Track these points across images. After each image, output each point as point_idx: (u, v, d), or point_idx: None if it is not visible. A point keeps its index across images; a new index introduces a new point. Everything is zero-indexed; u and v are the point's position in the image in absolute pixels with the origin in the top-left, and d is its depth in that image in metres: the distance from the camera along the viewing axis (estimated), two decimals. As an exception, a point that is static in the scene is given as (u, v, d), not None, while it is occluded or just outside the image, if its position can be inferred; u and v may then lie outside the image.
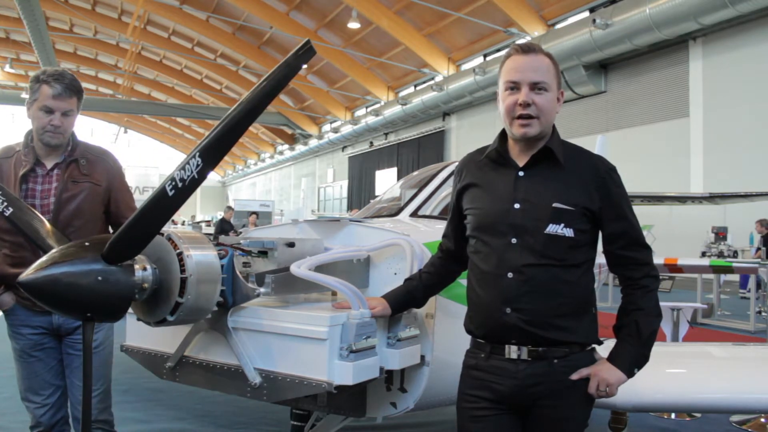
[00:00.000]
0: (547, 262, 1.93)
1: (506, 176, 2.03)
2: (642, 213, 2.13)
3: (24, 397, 2.89)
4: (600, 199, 1.97)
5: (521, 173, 2.02)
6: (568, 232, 1.94)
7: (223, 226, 15.87)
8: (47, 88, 2.71)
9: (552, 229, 1.93)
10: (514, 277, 1.94)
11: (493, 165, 2.09)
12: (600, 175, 1.99)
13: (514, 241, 1.96)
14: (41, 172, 2.85)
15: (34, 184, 2.83)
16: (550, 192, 1.96)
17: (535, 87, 1.95)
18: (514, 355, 1.96)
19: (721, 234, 12.79)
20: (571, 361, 1.97)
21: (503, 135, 2.08)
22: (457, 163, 3.52)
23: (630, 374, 1.99)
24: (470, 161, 2.18)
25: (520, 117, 1.95)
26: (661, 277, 2.20)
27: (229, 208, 19.28)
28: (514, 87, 1.97)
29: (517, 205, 1.97)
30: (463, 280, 2.40)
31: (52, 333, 2.88)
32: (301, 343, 2.01)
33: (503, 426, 2.01)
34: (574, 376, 1.96)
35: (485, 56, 21.40)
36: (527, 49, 1.99)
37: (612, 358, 2.00)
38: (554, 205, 1.94)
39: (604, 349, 2.07)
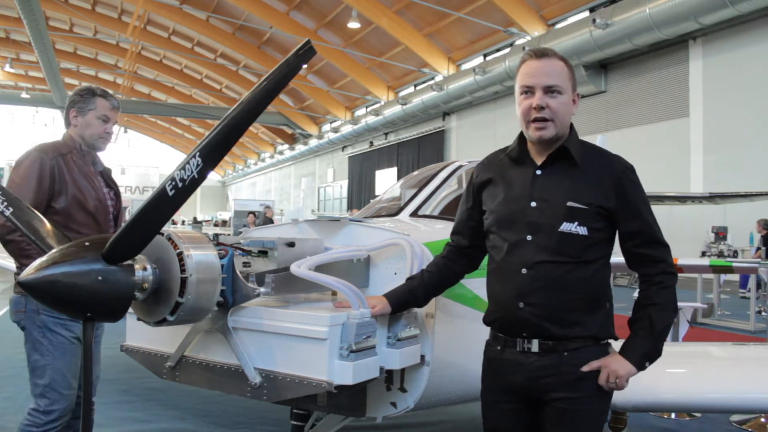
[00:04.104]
0: (560, 259, 1.97)
1: (524, 175, 2.08)
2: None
3: (66, 385, 2.89)
4: (616, 198, 2.00)
5: (538, 172, 2.06)
6: (582, 231, 1.97)
7: (266, 224, 16.69)
8: (104, 100, 3.13)
9: (566, 227, 1.97)
10: (527, 273, 1.99)
11: (513, 164, 2.13)
12: (616, 174, 2.02)
13: (529, 238, 2.00)
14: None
15: (99, 183, 3.15)
16: (564, 191, 2.00)
17: (548, 90, 1.99)
18: (526, 348, 2.00)
19: (721, 234, 12.80)
20: (582, 353, 1.99)
21: (522, 135, 2.12)
22: (457, 163, 3.55)
23: (641, 367, 2.01)
24: (491, 160, 2.23)
25: (536, 120, 2.00)
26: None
27: (268, 207, 20.78)
28: (528, 91, 2.02)
29: (533, 204, 2.02)
30: (464, 281, 2.41)
31: None
32: (301, 343, 2.01)
33: (522, 419, 2.06)
34: (585, 368, 1.99)
35: (485, 56, 21.39)
36: (541, 53, 2.04)
37: (623, 351, 2.02)
38: (568, 203, 1.98)
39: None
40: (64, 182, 2.97)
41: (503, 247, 2.05)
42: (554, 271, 1.97)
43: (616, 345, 2.08)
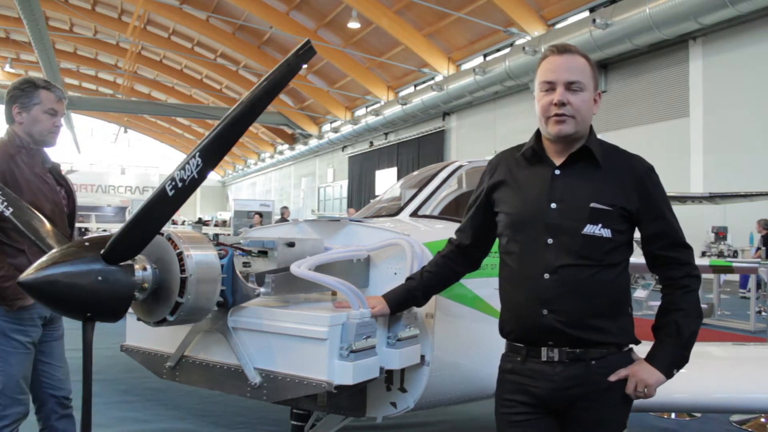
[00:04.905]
0: (584, 262, 1.90)
1: (542, 175, 2.00)
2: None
3: (19, 390, 2.84)
4: (638, 199, 1.94)
5: (557, 172, 1.99)
6: (606, 233, 1.91)
7: None
8: (48, 93, 2.89)
9: (589, 229, 1.90)
10: (550, 278, 1.91)
11: (529, 163, 2.05)
12: (638, 175, 1.97)
13: (550, 241, 1.93)
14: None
15: (51, 182, 2.95)
16: (587, 191, 1.94)
17: (570, 87, 1.93)
18: (550, 358, 1.92)
19: (721, 234, 12.80)
20: (609, 362, 1.94)
21: (539, 134, 2.05)
22: (457, 163, 3.55)
23: (669, 375, 1.96)
24: (505, 158, 2.14)
25: (555, 115, 1.93)
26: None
27: (286, 208, 20.73)
28: (549, 87, 1.95)
29: (553, 205, 1.94)
30: (464, 281, 2.40)
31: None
32: (301, 343, 2.01)
33: (542, 430, 1.97)
34: (612, 378, 1.93)
35: (485, 56, 21.37)
36: (563, 49, 1.97)
37: (650, 359, 1.97)
38: (592, 205, 1.91)
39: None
40: (18, 188, 2.73)
41: (519, 251, 1.98)
42: (579, 275, 1.89)
43: (638, 349, 2.04)
